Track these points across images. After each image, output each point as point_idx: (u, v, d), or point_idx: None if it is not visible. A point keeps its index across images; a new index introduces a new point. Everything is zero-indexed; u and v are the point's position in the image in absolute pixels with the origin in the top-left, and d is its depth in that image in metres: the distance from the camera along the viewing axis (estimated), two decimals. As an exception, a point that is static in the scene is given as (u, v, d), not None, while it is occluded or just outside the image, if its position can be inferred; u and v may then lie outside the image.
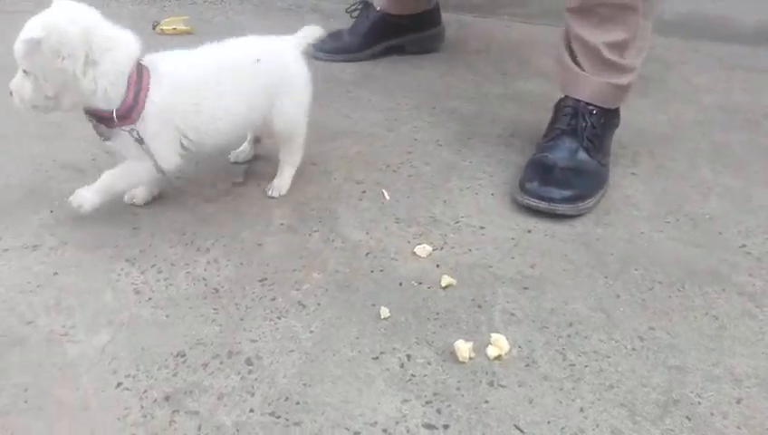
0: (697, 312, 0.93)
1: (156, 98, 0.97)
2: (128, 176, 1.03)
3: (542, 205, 1.09)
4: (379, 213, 1.11)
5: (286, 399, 0.78)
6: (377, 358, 0.84)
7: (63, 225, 1.04)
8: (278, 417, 0.76)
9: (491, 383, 0.81)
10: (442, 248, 1.03)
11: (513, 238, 1.06)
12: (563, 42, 1.19)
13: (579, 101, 1.17)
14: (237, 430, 0.74)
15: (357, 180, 1.19)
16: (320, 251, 1.02)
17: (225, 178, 1.19)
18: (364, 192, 1.16)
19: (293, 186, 1.15)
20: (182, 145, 1.02)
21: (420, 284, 0.96)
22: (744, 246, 1.06)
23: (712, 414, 0.78)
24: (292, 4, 2.02)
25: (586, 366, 0.84)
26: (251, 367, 0.82)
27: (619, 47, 1.15)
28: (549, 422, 0.76)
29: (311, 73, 1.12)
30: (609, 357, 0.85)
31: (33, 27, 0.92)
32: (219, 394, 0.78)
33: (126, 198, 1.08)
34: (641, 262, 1.01)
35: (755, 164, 1.28)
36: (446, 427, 0.76)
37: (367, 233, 1.06)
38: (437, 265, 0.99)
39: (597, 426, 0.76)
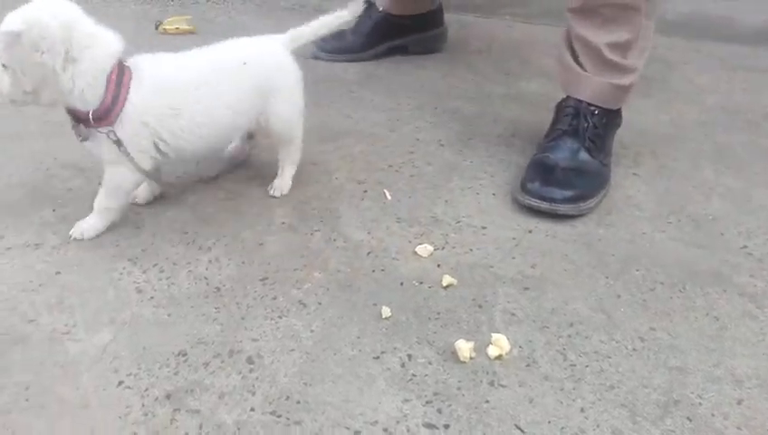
0: (698, 312, 0.93)
1: (135, 99, 0.95)
2: (113, 190, 1.01)
3: (544, 205, 1.09)
4: (380, 213, 1.11)
5: (287, 398, 0.78)
6: (378, 357, 0.84)
7: (65, 223, 1.04)
8: (279, 416, 0.76)
9: (491, 383, 0.81)
10: (443, 248, 1.03)
11: (514, 238, 1.06)
12: (565, 42, 1.19)
13: (580, 101, 1.17)
14: (238, 429, 0.74)
15: (358, 180, 1.19)
16: (321, 250, 1.02)
17: (227, 177, 1.19)
18: (366, 192, 1.16)
19: (295, 185, 1.16)
20: (158, 149, 0.99)
21: (421, 283, 0.96)
22: (745, 247, 1.06)
23: (713, 415, 0.78)
24: (295, 4, 2.02)
25: (587, 366, 0.84)
26: (252, 366, 0.82)
27: (622, 48, 1.15)
28: (549, 422, 0.76)
29: (302, 72, 1.11)
30: (609, 357, 0.85)
31: (14, 20, 0.90)
32: (220, 393, 0.79)
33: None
34: (642, 262, 1.01)
35: (757, 165, 1.28)
36: (446, 426, 0.76)
37: (368, 232, 1.06)
38: (438, 265, 0.99)
39: (597, 426, 0.76)
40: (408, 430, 0.75)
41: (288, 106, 1.09)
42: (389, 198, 1.15)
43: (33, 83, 0.93)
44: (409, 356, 0.84)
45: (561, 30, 1.22)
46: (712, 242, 1.07)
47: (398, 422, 0.76)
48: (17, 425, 0.74)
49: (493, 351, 0.84)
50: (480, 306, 0.92)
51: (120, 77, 0.95)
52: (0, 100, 0.96)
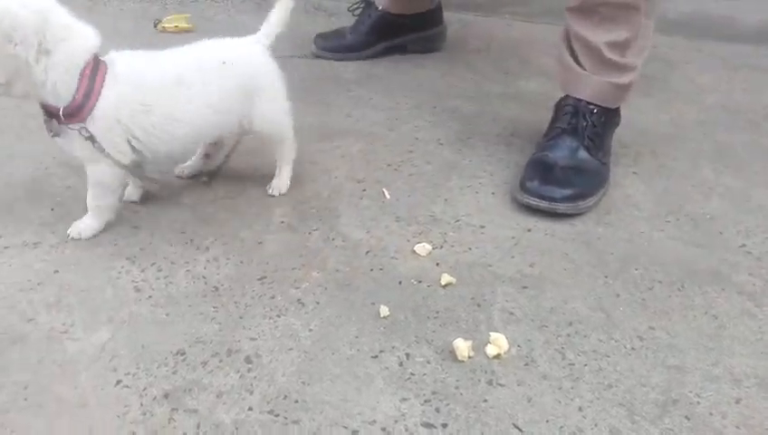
0: (697, 311, 0.93)
1: (108, 95, 0.94)
2: (97, 188, 1.00)
3: (543, 204, 1.09)
4: (379, 212, 1.11)
5: (285, 397, 0.78)
6: (376, 357, 0.84)
7: (64, 222, 1.04)
8: (277, 415, 0.76)
9: (490, 382, 0.81)
10: (442, 247, 1.03)
11: (513, 237, 1.06)
12: (564, 41, 1.19)
13: (579, 100, 1.17)
14: (236, 428, 0.74)
15: (357, 179, 1.19)
16: (319, 250, 1.02)
17: (226, 177, 1.19)
18: (364, 191, 1.16)
19: (293, 184, 1.15)
20: (132, 147, 0.98)
21: (420, 282, 0.96)
22: (744, 245, 1.06)
23: (711, 414, 0.78)
24: (294, 2, 2.02)
25: (585, 365, 0.83)
26: (250, 365, 0.82)
27: (621, 47, 1.14)
28: (548, 421, 0.76)
29: (281, 72, 1.09)
30: (608, 356, 0.85)
31: None
32: (218, 392, 0.78)
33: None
34: (641, 261, 1.01)
35: (756, 164, 1.28)
36: (444, 426, 0.76)
37: (367, 232, 1.06)
38: (437, 264, 0.99)
39: (595, 425, 0.76)
40: (407, 430, 0.75)
41: (271, 107, 1.08)
42: (388, 196, 1.15)
43: (6, 75, 0.91)
44: (408, 355, 0.84)
45: (560, 29, 1.21)
46: (711, 241, 1.06)
47: (396, 421, 0.76)
48: (16, 424, 0.74)
49: (491, 350, 0.84)
50: (479, 305, 0.92)
51: (94, 72, 0.93)
52: None
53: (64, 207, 1.07)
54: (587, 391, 0.80)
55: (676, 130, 1.39)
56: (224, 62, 1.02)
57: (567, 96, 1.19)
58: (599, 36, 1.14)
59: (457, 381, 0.81)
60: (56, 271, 0.96)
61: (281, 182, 1.14)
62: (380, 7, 1.66)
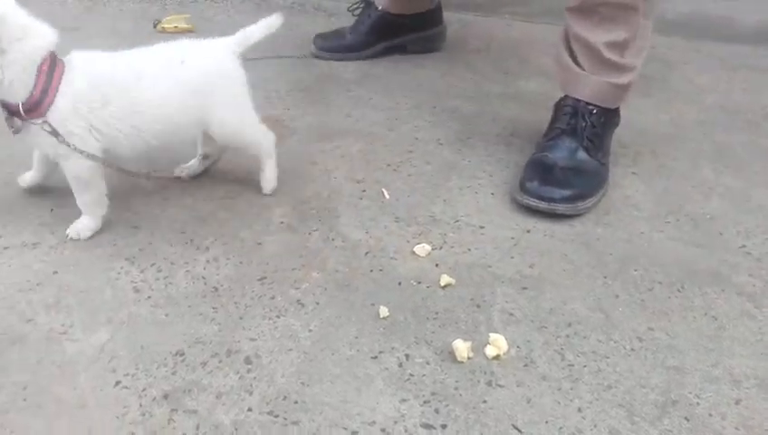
0: (697, 312, 0.93)
1: (65, 90, 0.95)
2: (76, 183, 1.01)
3: (542, 205, 1.09)
4: (378, 212, 1.11)
5: (284, 398, 0.78)
6: (375, 357, 0.84)
7: (63, 223, 1.04)
8: (276, 416, 0.76)
9: (489, 383, 0.81)
10: (441, 248, 1.03)
11: (512, 238, 1.06)
12: (563, 41, 1.19)
13: (579, 100, 1.17)
14: (236, 429, 0.74)
15: (357, 179, 1.19)
16: (319, 250, 1.02)
17: (225, 177, 1.19)
18: (364, 191, 1.16)
19: (293, 185, 1.15)
20: (96, 140, 0.99)
21: (419, 283, 0.96)
22: (743, 246, 1.06)
23: (710, 415, 0.78)
24: (294, 3, 2.02)
25: (584, 366, 0.84)
26: (250, 366, 0.82)
27: (620, 47, 1.14)
28: (547, 422, 0.76)
29: (246, 75, 1.06)
30: (607, 357, 0.85)
31: None
32: (218, 393, 0.78)
33: (19, 179, 1.10)
34: (641, 262, 1.01)
35: (756, 165, 1.28)
36: (443, 426, 0.76)
37: (366, 232, 1.06)
38: (437, 265, 0.99)
39: (595, 426, 0.76)
40: (406, 430, 0.75)
41: (228, 112, 1.06)
42: (388, 197, 1.15)
43: None
44: (407, 356, 0.84)
45: (560, 29, 1.21)
46: (710, 241, 1.07)
47: (395, 422, 0.76)
48: (15, 425, 0.74)
49: (490, 351, 0.84)
50: (478, 306, 0.92)
51: (51, 69, 0.95)
52: None
53: (64, 207, 1.07)
54: (586, 392, 0.80)
55: (676, 131, 1.39)
56: (183, 62, 1.03)
57: (566, 96, 1.19)
58: (598, 36, 1.14)
59: (457, 381, 0.81)
60: (55, 272, 0.95)
61: (267, 179, 1.13)
62: (380, 7, 1.66)
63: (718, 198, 1.18)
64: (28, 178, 1.12)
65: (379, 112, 1.42)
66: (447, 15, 1.75)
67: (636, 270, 1.00)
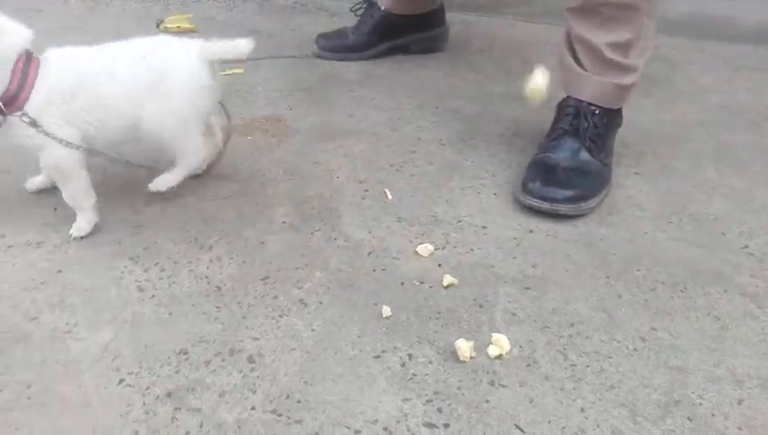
0: (699, 312, 0.93)
1: (41, 85, 0.97)
2: (58, 175, 1.02)
3: (545, 205, 1.09)
4: (381, 212, 1.11)
5: (287, 397, 0.78)
6: (378, 357, 0.84)
7: (67, 222, 1.04)
8: (279, 415, 0.76)
9: (492, 383, 0.81)
10: (444, 248, 1.03)
11: (515, 238, 1.06)
12: (565, 42, 1.19)
13: (581, 101, 1.17)
14: (239, 428, 0.75)
15: (359, 179, 1.19)
16: (322, 250, 1.02)
17: (228, 176, 1.19)
18: (367, 191, 1.16)
19: (296, 184, 1.16)
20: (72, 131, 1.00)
21: (422, 283, 0.96)
22: (746, 247, 1.06)
23: (713, 415, 0.78)
24: (296, 3, 2.02)
25: (587, 366, 0.84)
26: (253, 365, 0.82)
27: (623, 47, 1.14)
28: (549, 422, 0.76)
29: (207, 82, 1.04)
30: (610, 357, 0.85)
31: None
32: (221, 392, 0.79)
33: (26, 184, 1.12)
34: (644, 262, 1.01)
35: (759, 165, 1.28)
36: (446, 426, 0.76)
37: (369, 232, 1.06)
38: (439, 265, 1.00)
39: (598, 426, 0.76)
40: (409, 430, 0.75)
41: (165, 111, 1.03)
42: (390, 197, 1.15)
43: None
44: (410, 356, 0.84)
45: (562, 29, 1.22)
46: (713, 242, 1.06)
47: (398, 421, 0.76)
48: (19, 423, 0.74)
49: (493, 350, 0.84)
50: (481, 306, 0.92)
51: (26, 66, 0.97)
52: None
53: (67, 207, 1.07)
54: (589, 392, 0.80)
55: (679, 131, 1.39)
56: (143, 57, 1.04)
57: (569, 97, 1.20)
58: (600, 37, 1.14)
59: (459, 381, 0.81)
60: (59, 270, 0.96)
61: (164, 178, 1.08)
62: (383, 8, 1.66)
63: (721, 198, 1.18)
64: (37, 182, 1.13)
65: (381, 112, 1.42)
66: (450, 16, 1.75)
67: (639, 270, 1.00)
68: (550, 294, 0.95)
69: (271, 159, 1.23)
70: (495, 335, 0.86)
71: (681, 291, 0.96)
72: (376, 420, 0.76)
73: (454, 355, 0.84)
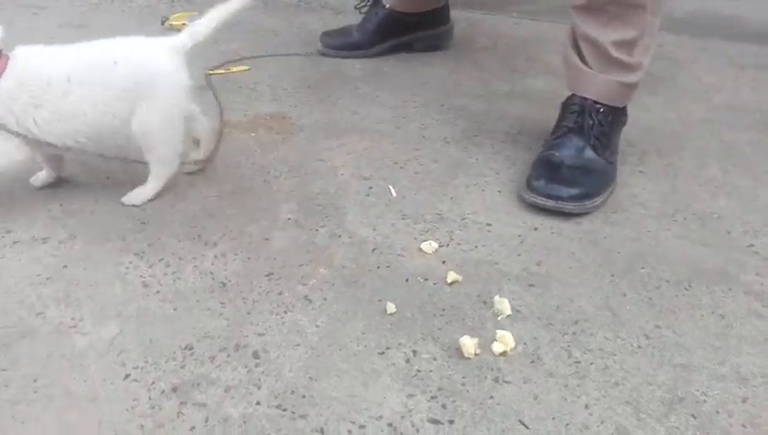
0: (704, 310, 0.93)
1: (4, 85, 0.97)
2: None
3: (549, 203, 1.09)
4: (385, 209, 1.11)
5: (292, 392, 0.79)
6: (382, 353, 0.84)
7: (73, 218, 1.05)
8: (284, 410, 0.76)
9: (496, 379, 0.81)
10: (448, 245, 1.03)
11: (519, 235, 1.06)
12: (570, 40, 1.19)
13: (586, 99, 1.17)
14: (244, 422, 0.75)
15: (364, 177, 1.19)
16: (326, 246, 1.02)
17: (233, 172, 1.19)
18: (371, 188, 1.16)
19: (300, 181, 1.16)
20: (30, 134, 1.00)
21: (426, 280, 0.96)
22: (751, 245, 1.06)
23: (717, 413, 0.78)
24: (301, 1, 2.02)
25: (591, 363, 0.84)
26: (258, 360, 0.83)
27: (628, 45, 1.14)
28: (553, 418, 0.77)
29: (184, 80, 1.04)
30: (614, 355, 0.85)
31: None
32: (226, 387, 0.79)
33: (32, 179, 1.11)
34: (648, 260, 1.01)
35: (763, 163, 1.28)
36: (450, 422, 0.76)
37: (373, 229, 1.06)
38: (444, 262, 1.00)
39: (602, 422, 0.76)
40: (413, 425, 0.75)
41: (153, 115, 1.02)
42: (395, 194, 1.15)
43: None
44: (414, 352, 0.85)
45: (567, 27, 1.21)
46: (718, 240, 1.06)
47: (402, 417, 0.76)
48: (25, 417, 0.75)
49: (497, 347, 0.84)
50: (485, 303, 0.92)
51: None
52: None
53: (73, 202, 1.08)
54: (593, 389, 0.80)
55: (683, 129, 1.39)
56: (115, 63, 1.01)
57: (573, 95, 1.19)
58: (606, 35, 1.14)
59: (464, 377, 0.81)
60: (65, 266, 0.96)
61: (140, 192, 1.08)
62: (387, 5, 1.66)
63: (726, 196, 1.17)
64: (41, 177, 1.12)
65: (386, 110, 1.43)
66: (455, 14, 1.75)
67: (643, 268, 1.00)
68: (554, 291, 0.95)
69: (275, 156, 1.24)
70: (500, 332, 0.86)
71: (686, 289, 0.96)
72: (380, 416, 0.76)
73: (458, 352, 0.84)
